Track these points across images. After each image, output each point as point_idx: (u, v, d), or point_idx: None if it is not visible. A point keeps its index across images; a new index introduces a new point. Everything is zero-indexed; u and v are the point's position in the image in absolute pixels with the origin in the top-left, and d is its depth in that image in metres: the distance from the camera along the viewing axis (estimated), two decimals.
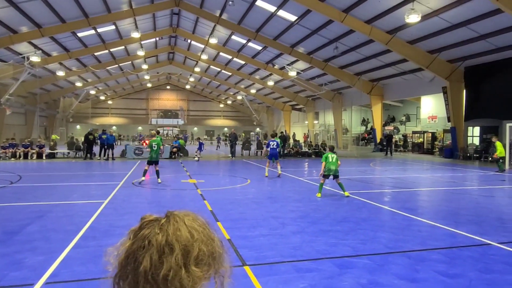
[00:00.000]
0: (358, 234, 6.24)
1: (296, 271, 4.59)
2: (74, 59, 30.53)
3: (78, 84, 39.70)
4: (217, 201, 9.10)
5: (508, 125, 18.52)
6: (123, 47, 31.62)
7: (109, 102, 59.55)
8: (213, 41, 27.94)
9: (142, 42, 31.40)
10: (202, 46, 33.11)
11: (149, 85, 57.43)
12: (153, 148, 12.24)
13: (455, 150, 23.59)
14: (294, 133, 43.99)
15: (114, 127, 56.51)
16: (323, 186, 10.23)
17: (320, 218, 7.38)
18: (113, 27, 26.29)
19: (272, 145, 14.30)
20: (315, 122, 44.89)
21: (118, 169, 17.20)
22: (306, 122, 44.53)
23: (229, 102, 62.26)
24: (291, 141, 33.78)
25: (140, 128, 60.21)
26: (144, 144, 24.68)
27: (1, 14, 19.80)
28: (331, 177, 10.11)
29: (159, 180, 12.21)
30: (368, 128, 38.23)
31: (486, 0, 14.92)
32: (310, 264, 4.81)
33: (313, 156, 26.04)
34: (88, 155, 22.14)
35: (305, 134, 42.67)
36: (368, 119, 39.99)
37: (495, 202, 9.53)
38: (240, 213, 7.81)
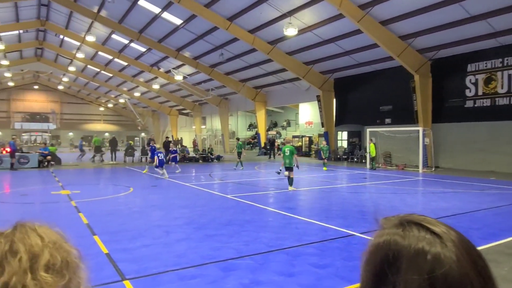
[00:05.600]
0: (242, 236, 6.44)
1: (180, 279, 4.49)
2: None
3: None
4: (95, 213, 8.34)
5: (368, 129, 21.56)
6: None
7: None
8: (90, 39, 25.70)
9: (1, 34, 26.99)
10: (78, 43, 30.15)
11: (11, 83, 49.65)
12: (286, 153, 12.12)
13: (328, 153, 26.37)
14: (181, 138, 43.38)
15: None
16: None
17: (205, 223, 7.39)
18: None
19: (160, 156, 16.21)
20: (203, 127, 45.08)
21: None
22: (194, 127, 44.36)
23: (110, 105, 58.09)
24: (179, 146, 33.16)
25: None
26: (5, 151, 21.17)
27: None
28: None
29: (290, 188, 11.96)
30: (254, 133, 40.08)
31: (349, 21, 17.15)
32: (194, 271, 4.76)
33: (200, 161, 26.03)
34: None
35: (194, 139, 42.46)
36: (254, 123, 41.90)
37: (358, 197, 10.95)
38: (120, 224, 7.30)
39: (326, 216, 8.05)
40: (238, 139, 23.12)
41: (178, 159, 18.83)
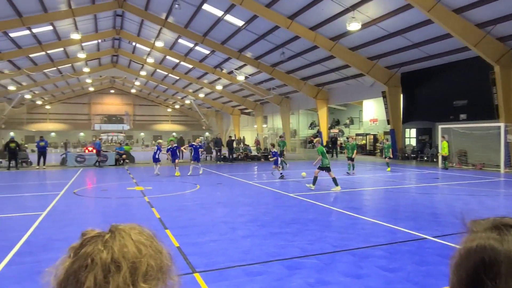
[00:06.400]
0: (306, 235, 6.41)
1: (246, 275, 4.61)
2: (6, 61, 28.16)
3: (11, 87, 36.69)
4: (166, 208, 8.87)
5: (440, 126, 20.14)
6: (61, 49, 29.79)
7: (47, 107, 55.69)
8: (159, 44, 27.34)
9: (83, 44, 29.78)
10: (148, 49, 32.19)
11: (91, 89, 54.59)
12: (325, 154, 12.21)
13: (394, 151, 25.12)
14: (243, 137, 44.24)
15: (52, 134, 53.03)
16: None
17: (269, 221, 7.48)
18: (50, 27, 24.67)
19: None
20: (264, 126, 45.53)
21: (58, 178, 16.12)
22: (255, 126, 45.00)
23: (177, 106, 61.12)
24: (241, 145, 33.90)
25: (82, 134, 56.96)
26: (88, 150, 23.37)
27: None
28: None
29: (338, 188, 11.68)
30: (315, 131, 39.55)
31: (418, 11, 16.15)
32: (260, 267, 4.86)
33: (262, 159, 26.34)
34: (13, 164, 20.42)
35: (256, 138, 43.08)
36: (315, 121, 41.36)
37: (429, 198, 10.29)
38: (189, 220, 7.68)
39: (394, 218, 7.70)
40: (281, 136, 22.16)
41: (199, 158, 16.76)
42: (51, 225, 7.27)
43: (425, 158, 23.18)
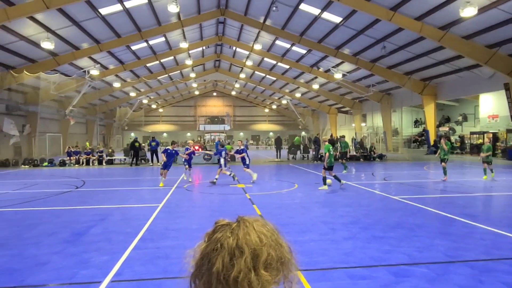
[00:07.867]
0: (413, 241, 5.98)
1: (350, 277, 4.50)
2: (128, 71, 32.41)
3: (132, 94, 42.05)
4: (266, 206, 9.16)
5: None
6: (172, 57, 33.01)
7: (160, 110, 62.22)
8: (257, 47, 28.32)
9: (190, 52, 32.56)
10: (247, 52, 33.61)
11: (196, 92, 59.27)
12: (331, 152, 11.99)
13: None
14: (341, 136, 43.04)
15: (164, 134, 59.06)
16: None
17: (371, 224, 7.17)
18: (163, 39, 27.56)
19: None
20: (363, 124, 43.67)
21: (169, 174, 17.87)
22: (353, 125, 43.46)
23: (274, 106, 62.47)
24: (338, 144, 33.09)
25: (189, 134, 62.21)
26: (194, 149, 25.41)
27: (66, 33, 21.60)
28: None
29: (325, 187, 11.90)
30: (421, 130, 36.48)
31: None
32: (364, 271, 4.70)
33: (361, 160, 25.34)
34: (135, 161, 23.26)
35: (353, 138, 41.62)
36: (421, 119, 38.17)
37: None
38: (289, 218, 7.81)
39: None
40: (342, 137, 19.99)
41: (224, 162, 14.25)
42: (167, 216, 8.12)
43: None
